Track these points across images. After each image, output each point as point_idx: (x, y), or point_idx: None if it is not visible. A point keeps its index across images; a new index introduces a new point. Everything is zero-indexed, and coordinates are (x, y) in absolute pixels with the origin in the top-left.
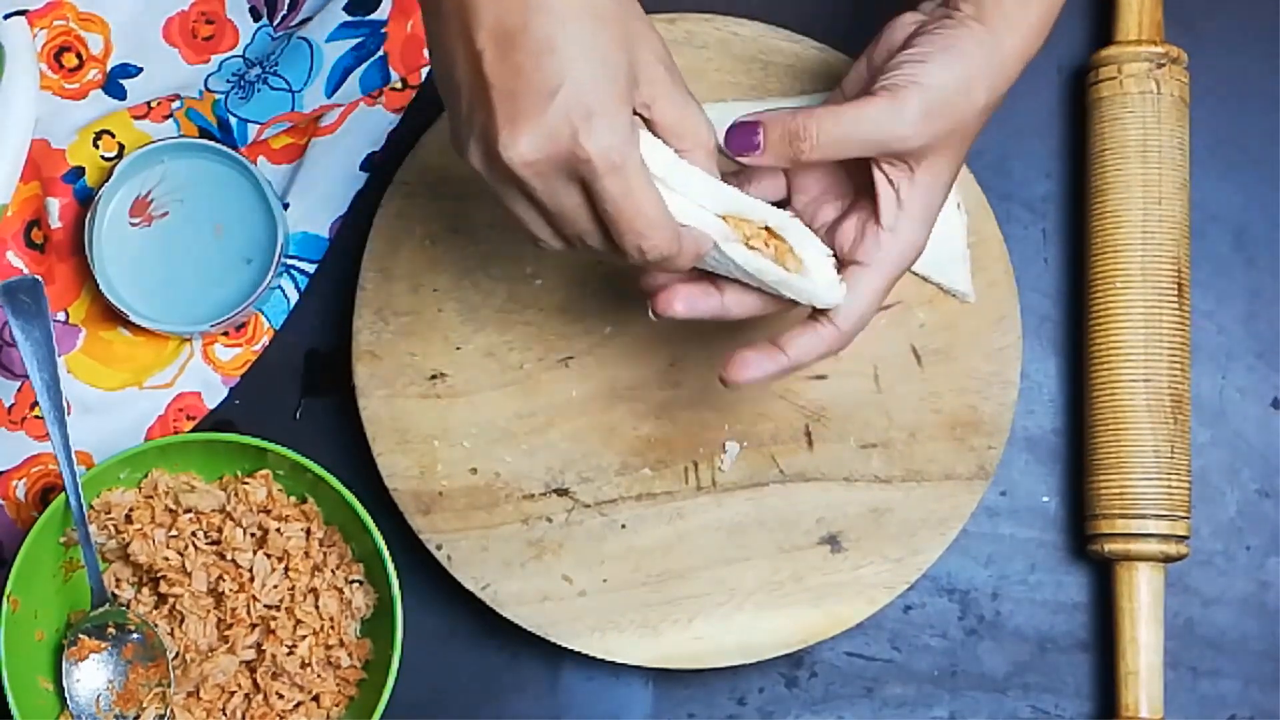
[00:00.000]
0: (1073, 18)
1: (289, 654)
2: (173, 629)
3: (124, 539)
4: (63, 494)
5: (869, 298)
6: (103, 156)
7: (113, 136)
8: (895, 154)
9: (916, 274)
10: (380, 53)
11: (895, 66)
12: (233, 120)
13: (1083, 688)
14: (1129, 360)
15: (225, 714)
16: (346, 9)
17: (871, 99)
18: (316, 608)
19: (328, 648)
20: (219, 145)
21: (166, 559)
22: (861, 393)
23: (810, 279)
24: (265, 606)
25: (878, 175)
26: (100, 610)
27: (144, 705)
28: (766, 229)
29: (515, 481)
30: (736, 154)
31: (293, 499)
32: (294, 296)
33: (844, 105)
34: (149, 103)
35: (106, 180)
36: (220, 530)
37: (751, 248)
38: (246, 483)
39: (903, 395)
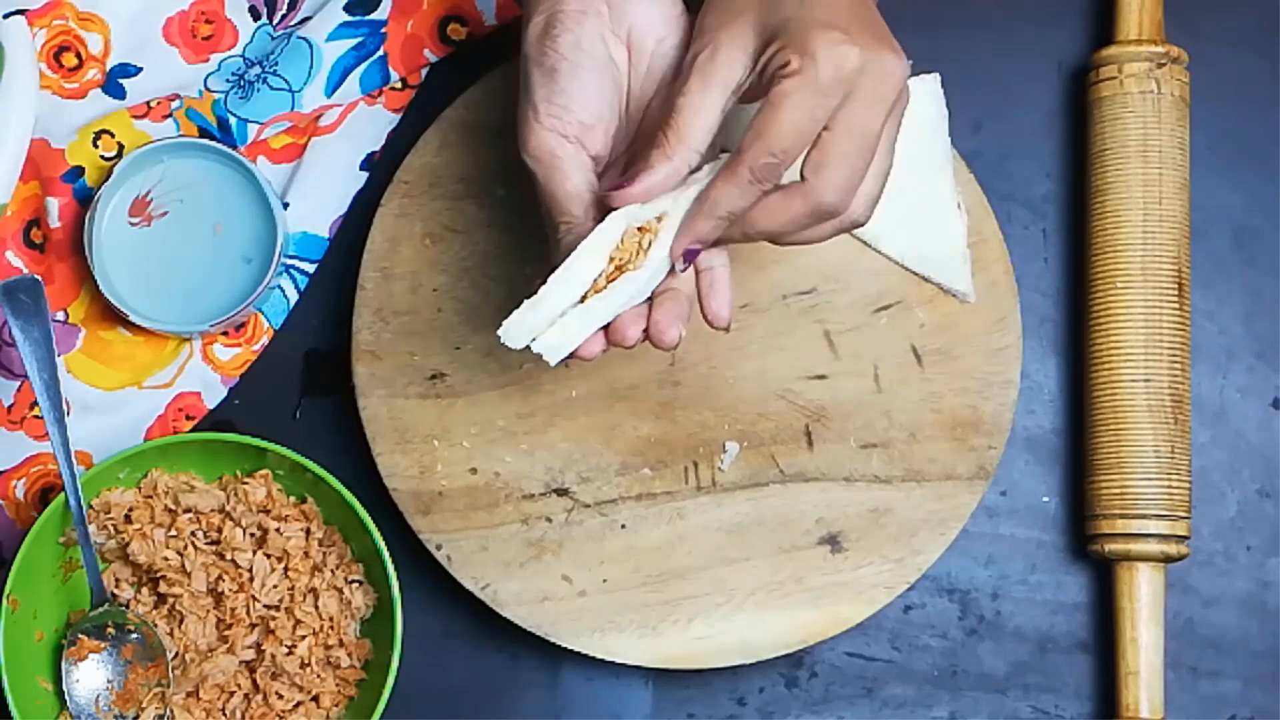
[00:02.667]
0: (1073, 18)
1: (288, 654)
2: (172, 629)
3: (123, 539)
4: (62, 494)
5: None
6: (102, 156)
7: (112, 136)
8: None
9: (917, 274)
10: (380, 52)
11: None
12: (232, 120)
13: (1083, 688)
14: (1129, 360)
15: (225, 714)
16: (346, 8)
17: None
18: (316, 608)
19: (327, 648)
20: (219, 145)
21: (166, 559)
22: (861, 393)
23: (647, 268)
24: (265, 606)
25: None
26: (100, 610)
27: (143, 705)
28: (639, 229)
29: (515, 481)
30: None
31: (292, 499)
32: (294, 296)
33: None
34: (148, 102)
35: (106, 180)
36: (220, 530)
37: (598, 290)
38: (246, 483)
39: (903, 395)
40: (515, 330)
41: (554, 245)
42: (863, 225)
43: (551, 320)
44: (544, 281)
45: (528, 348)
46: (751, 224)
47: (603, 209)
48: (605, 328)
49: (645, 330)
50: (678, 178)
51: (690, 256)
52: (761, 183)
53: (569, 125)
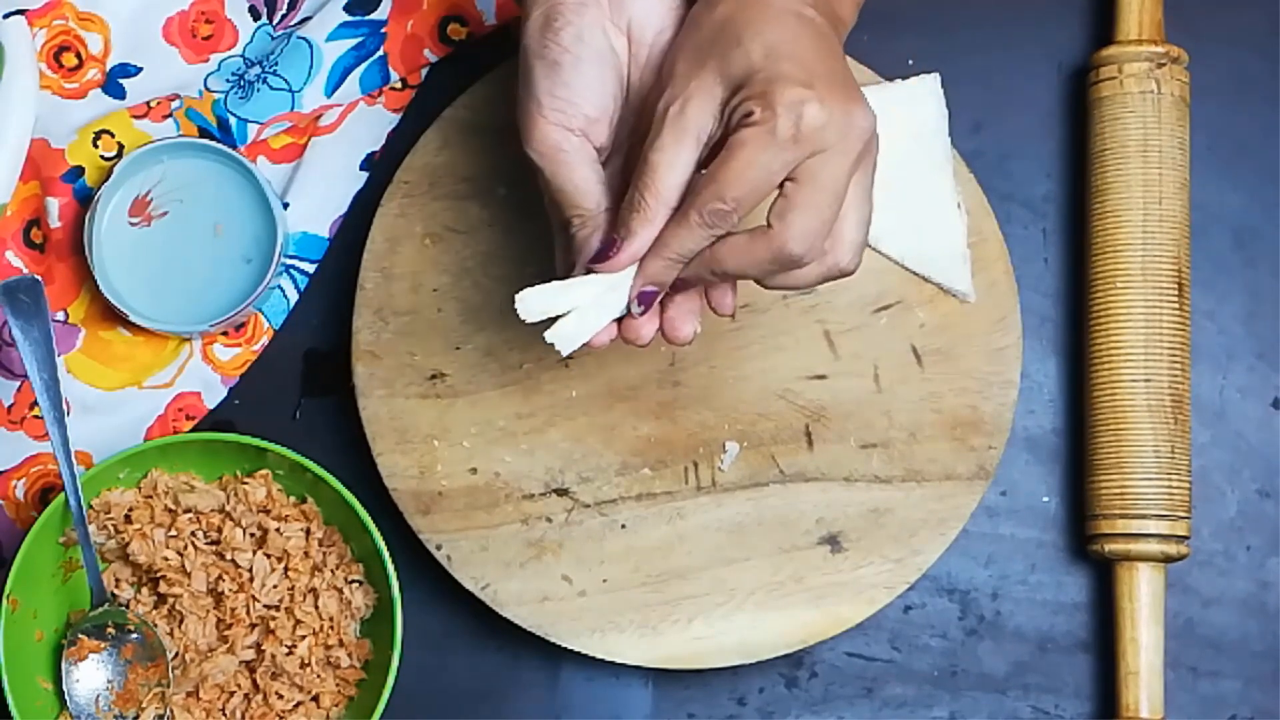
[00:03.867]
0: (1073, 18)
1: (288, 654)
2: (172, 629)
3: (123, 539)
4: (62, 494)
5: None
6: (102, 156)
7: (112, 136)
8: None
9: (917, 274)
10: (380, 52)
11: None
12: (232, 120)
13: (1083, 688)
14: (1129, 360)
15: (225, 714)
16: (346, 8)
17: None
18: (316, 608)
19: (327, 648)
20: (218, 145)
21: (166, 559)
22: (861, 393)
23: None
24: (265, 606)
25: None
26: (100, 610)
27: (143, 705)
28: None
29: (515, 481)
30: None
31: (292, 499)
32: (294, 296)
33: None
34: (148, 102)
35: (106, 180)
36: (220, 530)
37: None
38: (246, 483)
39: (903, 395)
40: (533, 303)
41: (567, 239)
42: (851, 273)
43: (570, 308)
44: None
45: (539, 336)
46: (719, 263)
47: (615, 199)
48: (619, 322)
49: (659, 328)
50: (653, 237)
51: (646, 299)
52: (711, 227)
53: (574, 119)
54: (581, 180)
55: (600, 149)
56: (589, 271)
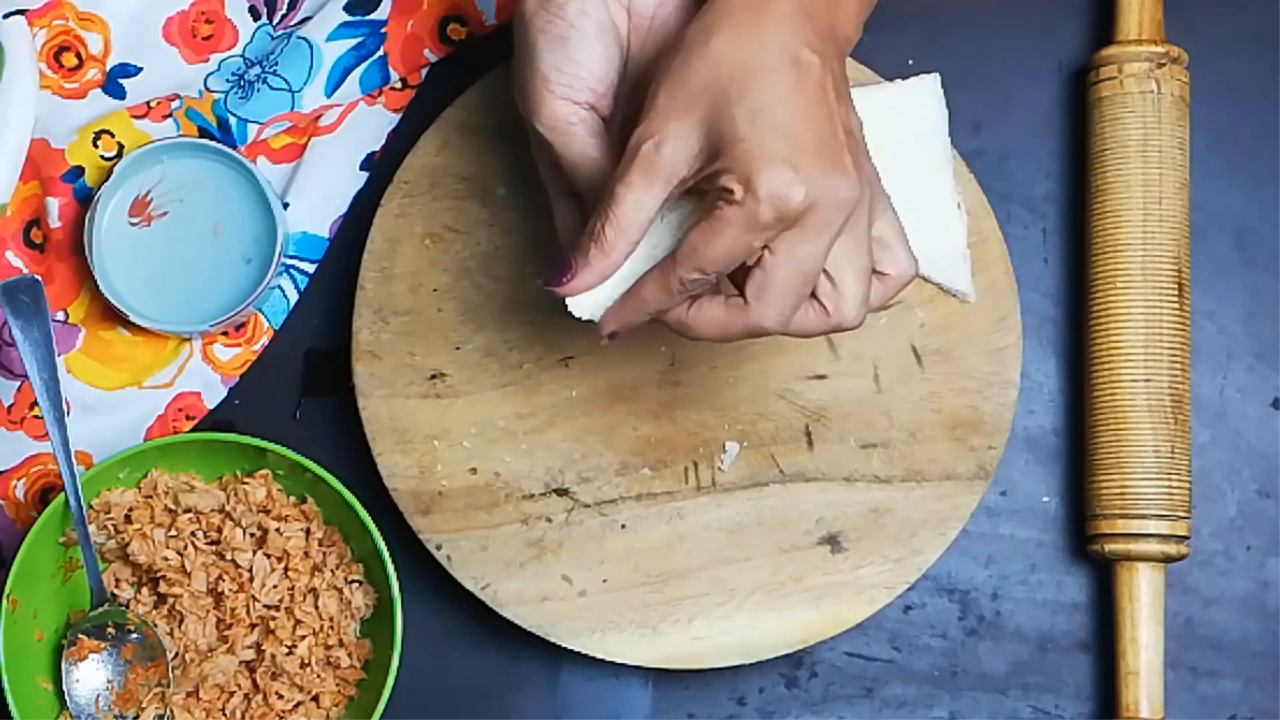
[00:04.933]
0: (1073, 18)
1: (288, 654)
2: (172, 629)
3: (123, 539)
4: (62, 494)
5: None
6: (102, 156)
7: (112, 136)
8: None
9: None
10: (380, 52)
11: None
12: (232, 120)
13: (1083, 688)
14: (1129, 360)
15: (225, 714)
16: (346, 8)
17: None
18: (316, 608)
19: (327, 648)
20: (218, 145)
21: (166, 559)
22: (861, 393)
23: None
24: (265, 606)
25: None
26: (100, 610)
27: (143, 705)
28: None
29: (515, 481)
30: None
31: (292, 499)
32: (294, 296)
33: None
34: (148, 102)
35: (106, 180)
36: (220, 530)
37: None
38: (246, 483)
39: (903, 395)
40: (584, 300)
41: (568, 206)
42: (857, 328)
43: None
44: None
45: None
46: (691, 331)
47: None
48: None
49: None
50: (614, 270)
51: (614, 336)
52: (689, 292)
53: (581, 92)
54: (593, 151)
55: (606, 119)
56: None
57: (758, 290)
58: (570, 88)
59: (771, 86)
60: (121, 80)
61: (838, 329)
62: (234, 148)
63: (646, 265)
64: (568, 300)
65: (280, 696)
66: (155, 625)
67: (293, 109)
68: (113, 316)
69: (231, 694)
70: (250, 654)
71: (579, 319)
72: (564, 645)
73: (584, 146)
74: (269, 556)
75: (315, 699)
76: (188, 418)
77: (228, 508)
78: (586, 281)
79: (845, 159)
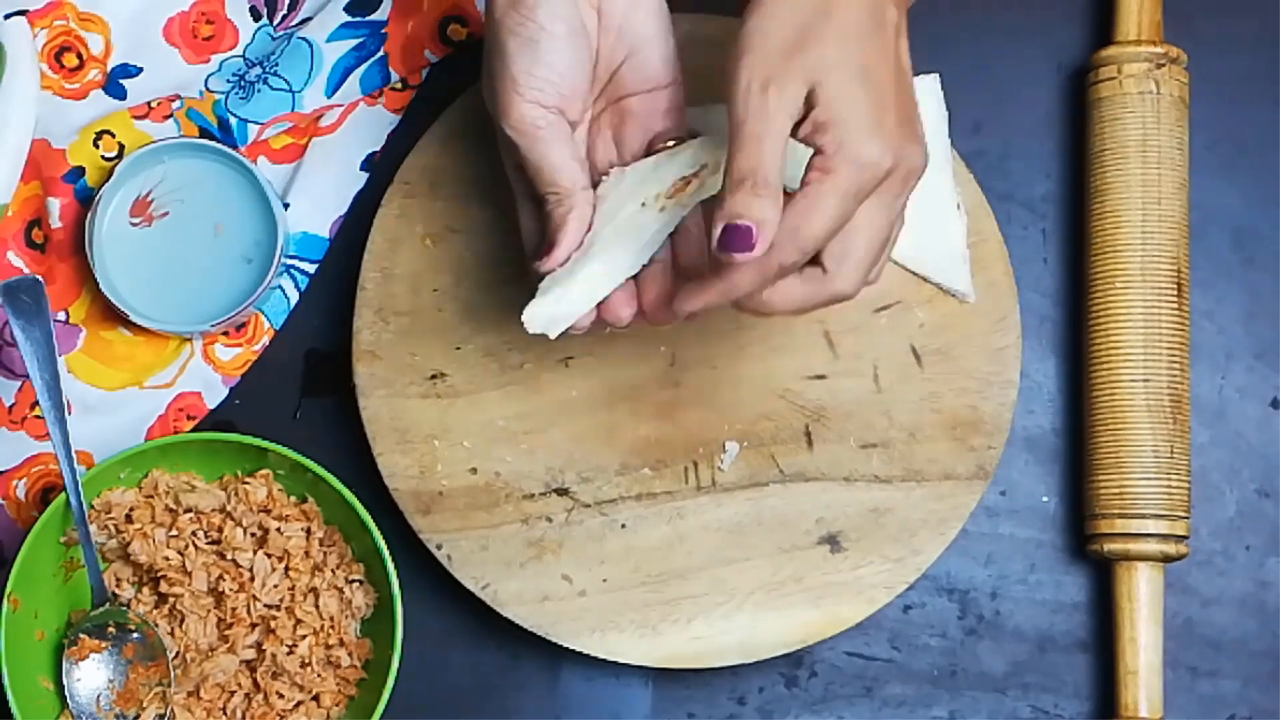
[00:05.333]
0: (1072, 18)
1: (289, 654)
2: (173, 628)
3: (124, 539)
4: (63, 493)
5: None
6: (103, 156)
7: (113, 136)
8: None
9: (916, 274)
10: (380, 53)
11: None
12: (233, 120)
13: (1082, 687)
14: (1129, 360)
15: (225, 713)
16: (347, 9)
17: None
18: (316, 607)
19: (328, 647)
20: (219, 145)
21: (167, 559)
22: (861, 393)
23: (715, 179)
24: (265, 606)
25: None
26: (100, 610)
27: (144, 705)
28: (682, 180)
29: (515, 481)
30: (728, 254)
31: (293, 499)
32: (294, 296)
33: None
34: (149, 103)
35: (107, 180)
36: (220, 530)
37: (661, 209)
38: (247, 482)
39: (903, 395)
40: (540, 314)
41: (535, 211)
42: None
43: (577, 306)
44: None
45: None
46: (769, 307)
47: (592, 177)
48: (598, 306)
49: (640, 309)
50: (780, 215)
51: (692, 317)
52: (785, 274)
53: (550, 97)
54: (559, 158)
55: (574, 124)
56: (578, 243)
57: (839, 259)
58: (540, 91)
59: (863, 46)
60: (122, 80)
61: (834, 299)
62: (235, 148)
63: (619, 280)
64: (524, 316)
65: (281, 696)
66: (156, 625)
67: (293, 109)
68: (114, 316)
69: (232, 693)
70: (251, 653)
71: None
72: (564, 645)
73: (549, 151)
74: (269, 556)
75: (316, 698)
76: (188, 418)
77: (228, 507)
78: (767, 236)
79: (919, 128)
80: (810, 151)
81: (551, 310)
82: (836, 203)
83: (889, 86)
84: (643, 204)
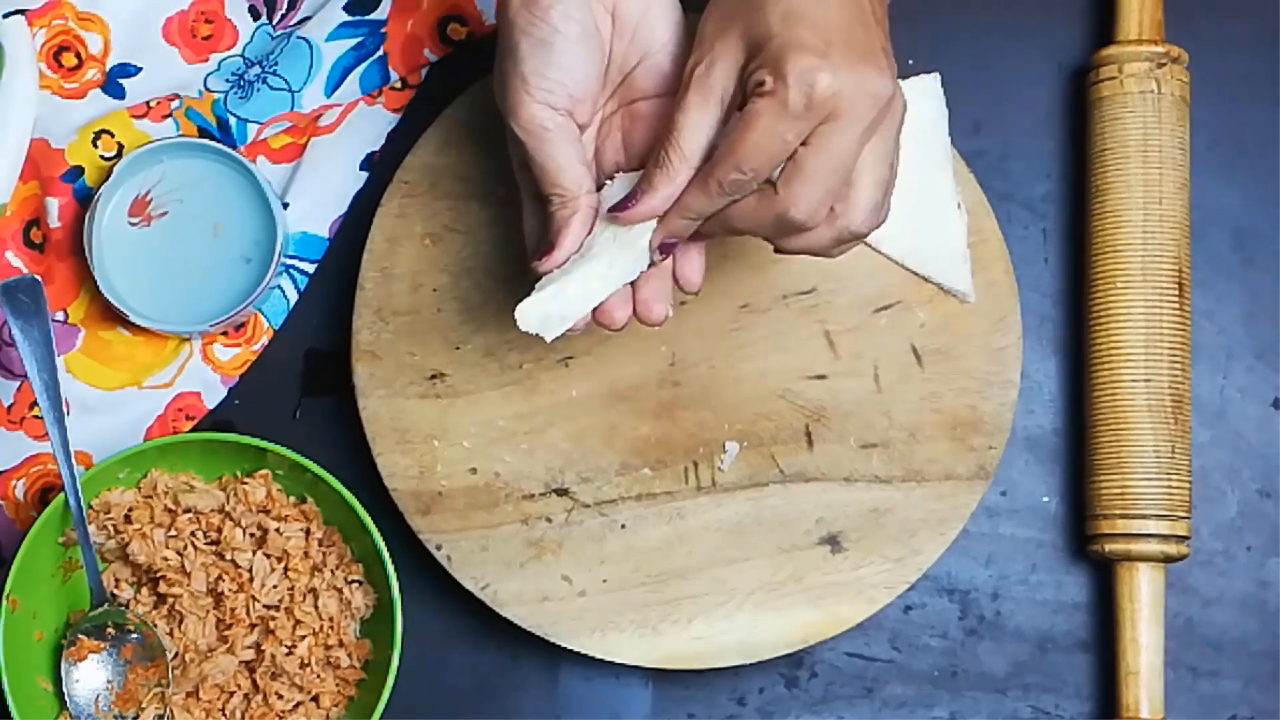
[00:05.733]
0: (1073, 17)
1: (288, 654)
2: (172, 629)
3: (123, 539)
4: (62, 494)
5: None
6: (102, 156)
7: (112, 136)
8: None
9: (917, 274)
10: (380, 52)
11: None
12: (232, 120)
13: (1083, 688)
14: (1129, 360)
15: (224, 714)
16: (346, 8)
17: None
18: (316, 608)
19: (327, 648)
20: (218, 145)
21: (166, 559)
22: (861, 393)
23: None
24: (264, 607)
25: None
26: (99, 610)
27: (143, 705)
28: None
29: (515, 481)
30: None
31: (292, 499)
32: (293, 296)
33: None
34: (148, 102)
35: (106, 180)
36: (219, 530)
37: None
38: (246, 483)
39: (903, 395)
40: (533, 312)
41: (540, 211)
42: (864, 235)
43: (569, 307)
44: (539, 262)
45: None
46: (728, 222)
47: (600, 178)
48: (594, 310)
49: (633, 310)
50: (677, 193)
51: (667, 249)
52: (730, 194)
53: (560, 98)
54: (565, 160)
55: (583, 126)
56: (579, 243)
57: (787, 178)
58: (550, 93)
59: None
60: (121, 80)
61: (845, 237)
62: (234, 148)
63: (616, 285)
64: (516, 312)
65: (280, 696)
66: (155, 625)
67: (292, 109)
68: (112, 316)
69: (231, 694)
70: (250, 654)
71: (526, 333)
72: (564, 645)
73: (556, 152)
74: (269, 556)
75: (315, 699)
76: (187, 418)
77: (227, 508)
78: (651, 206)
79: (880, 57)
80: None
81: (545, 309)
82: (767, 122)
83: (834, 20)
84: None
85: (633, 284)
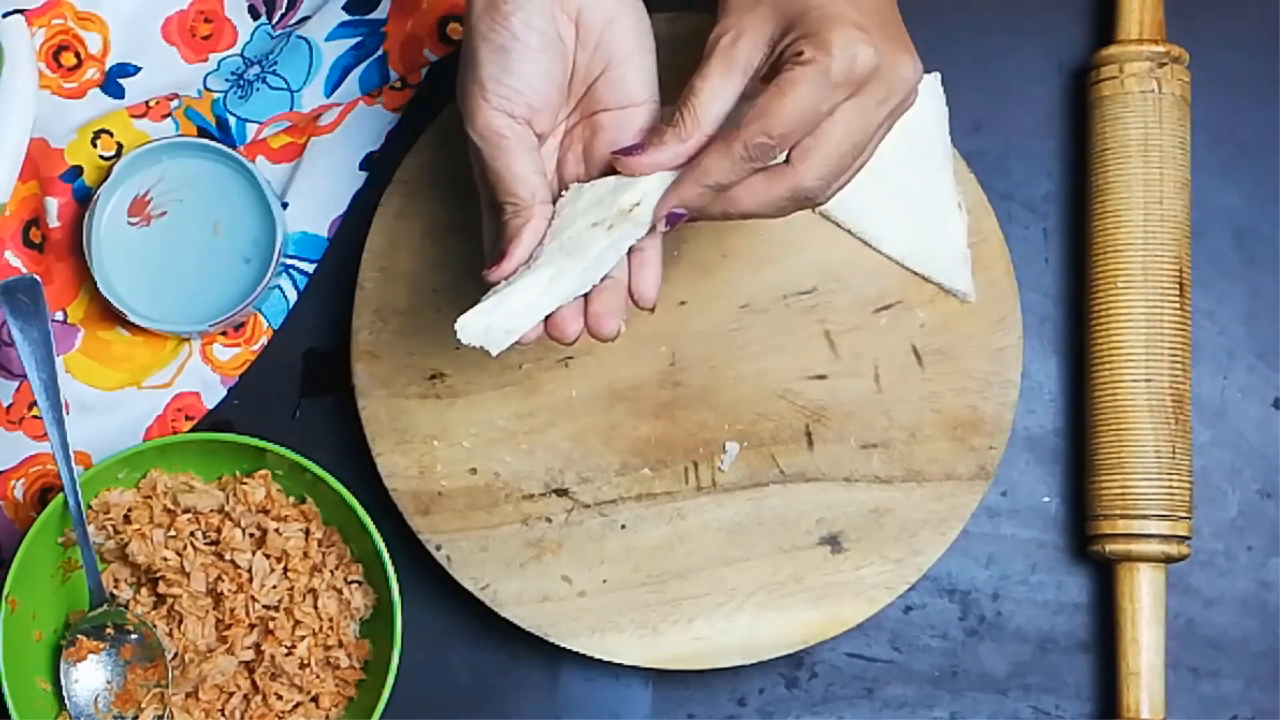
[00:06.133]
0: (1073, 17)
1: (288, 654)
2: (171, 629)
3: (122, 539)
4: (61, 494)
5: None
6: (101, 156)
7: (111, 136)
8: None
9: (917, 274)
10: (379, 52)
11: None
12: (231, 119)
13: (1083, 688)
14: (1130, 360)
15: (224, 714)
16: (346, 8)
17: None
18: (315, 608)
19: (327, 648)
20: (218, 145)
21: (165, 559)
22: (861, 393)
23: (586, 258)
24: (264, 607)
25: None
26: (99, 611)
27: (142, 706)
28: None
29: (515, 481)
30: (619, 155)
31: (291, 499)
32: (293, 296)
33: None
34: (147, 102)
35: (105, 179)
36: (219, 530)
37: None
38: (245, 483)
39: (903, 395)
40: (474, 325)
41: (496, 220)
42: (821, 205)
43: (512, 320)
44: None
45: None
46: (735, 202)
47: (553, 189)
48: (545, 320)
49: (585, 324)
50: (685, 159)
51: (674, 220)
52: (753, 161)
53: (518, 106)
54: (520, 169)
55: (541, 135)
56: (528, 254)
57: (805, 151)
58: (508, 100)
59: None
60: (120, 80)
61: (803, 201)
62: (233, 147)
63: (563, 298)
64: (457, 325)
65: (279, 697)
66: (154, 626)
67: (292, 109)
68: (112, 316)
69: (231, 694)
70: (249, 654)
71: (461, 344)
72: (564, 645)
73: (512, 161)
74: (268, 557)
75: (315, 699)
76: (187, 418)
77: (227, 508)
78: (656, 160)
79: (909, 44)
80: None
81: (486, 321)
82: (809, 89)
83: (871, 5)
84: (594, 223)
85: (586, 297)
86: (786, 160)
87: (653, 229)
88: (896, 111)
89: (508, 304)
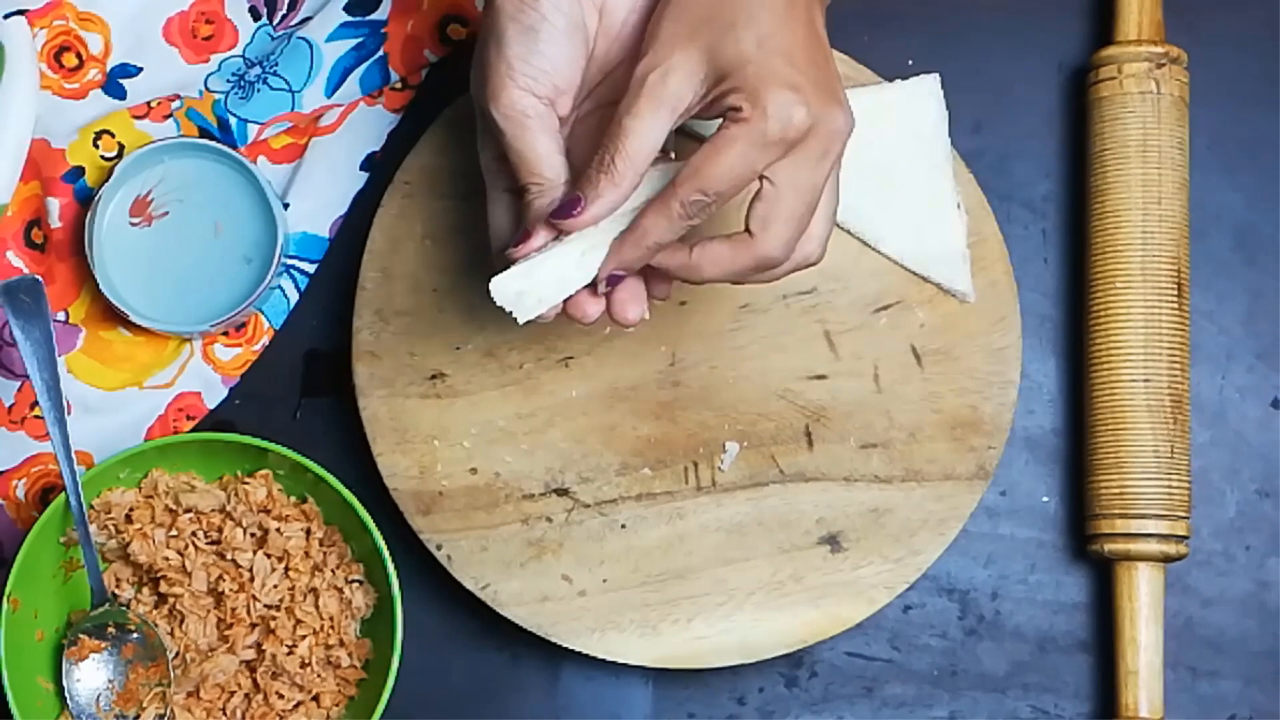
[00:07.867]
0: (1073, 18)
1: (289, 654)
2: (173, 629)
3: (124, 539)
4: (63, 494)
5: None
6: (103, 156)
7: (113, 136)
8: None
9: (917, 274)
10: (380, 52)
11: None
12: (232, 120)
13: (1082, 688)
14: (1129, 360)
15: (225, 714)
16: (346, 9)
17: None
18: (316, 607)
19: (328, 647)
20: (219, 145)
21: (166, 559)
22: (861, 393)
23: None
24: (265, 606)
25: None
26: (100, 610)
27: (144, 705)
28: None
29: (515, 481)
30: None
31: (293, 499)
32: (294, 296)
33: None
34: (149, 102)
35: (106, 180)
36: (220, 530)
37: None
38: (246, 483)
39: (903, 395)
40: (508, 287)
41: (502, 201)
42: (817, 264)
43: (542, 284)
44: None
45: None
46: (697, 272)
47: (568, 177)
48: (565, 301)
49: (607, 309)
50: (623, 201)
51: (614, 281)
52: (690, 219)
53: (543, 87)
54: (544, 149)
55: (562, 119)
56: (555, 232)
57: (763, 220)
58: (534, 80)
59: (775, 15)
60: (122, 80)
61: (799, 266)
62: (234, 148)
63: (589, 275)
64: (491, 284)
65: (281, 696)
66: (156, 625)
67: (293, 109)
68: (113, 316)
69: (232, 694)
70: (251, 654)
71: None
72: (564, 645)
73: (536, 141)
74: (269, 556)
75: (315, 699)
76: (188, 418)
77: (228, 508)
78: (594, 213)
79: (840, 93)
80: None
81: (520, 285)
82: (743, 149)
83: (801, 53)
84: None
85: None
86: (746, 231)
87: (601, 290)
88: (837, 162)
89: (541, 270)
